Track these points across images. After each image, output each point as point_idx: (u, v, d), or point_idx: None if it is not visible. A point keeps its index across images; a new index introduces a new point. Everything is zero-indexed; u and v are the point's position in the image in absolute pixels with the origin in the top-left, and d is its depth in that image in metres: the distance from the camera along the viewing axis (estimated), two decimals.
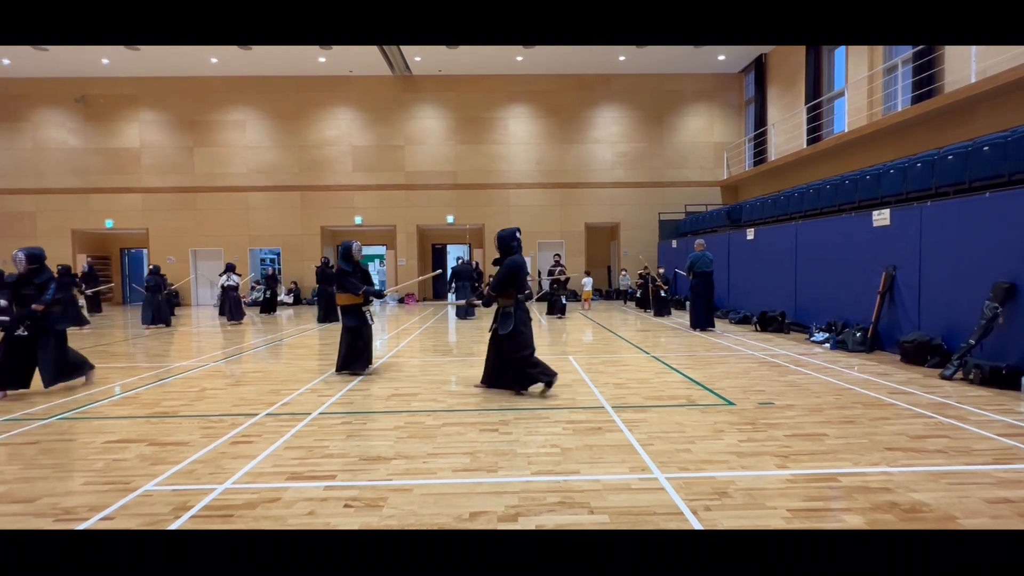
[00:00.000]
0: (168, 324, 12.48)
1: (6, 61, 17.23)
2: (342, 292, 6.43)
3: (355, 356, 6.45)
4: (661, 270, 14.59)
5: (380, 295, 6.58)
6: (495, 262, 5.74)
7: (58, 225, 18.58)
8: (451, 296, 14.98)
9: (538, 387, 5.41)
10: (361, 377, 6.31)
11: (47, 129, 18.68)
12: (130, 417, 4.75)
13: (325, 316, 13.02)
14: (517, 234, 5.51)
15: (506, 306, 5.44)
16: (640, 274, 14.97)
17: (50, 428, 4.44)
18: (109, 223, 18.78)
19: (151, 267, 13.24)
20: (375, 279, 16.11)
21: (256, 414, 4.74)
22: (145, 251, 19.65)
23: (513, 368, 5.38)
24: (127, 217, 18.83)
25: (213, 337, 10.58)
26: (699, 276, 10.11)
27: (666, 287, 13.48)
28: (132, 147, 18.79)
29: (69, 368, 5.97)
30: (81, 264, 15.74)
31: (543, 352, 7.19)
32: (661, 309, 13.05)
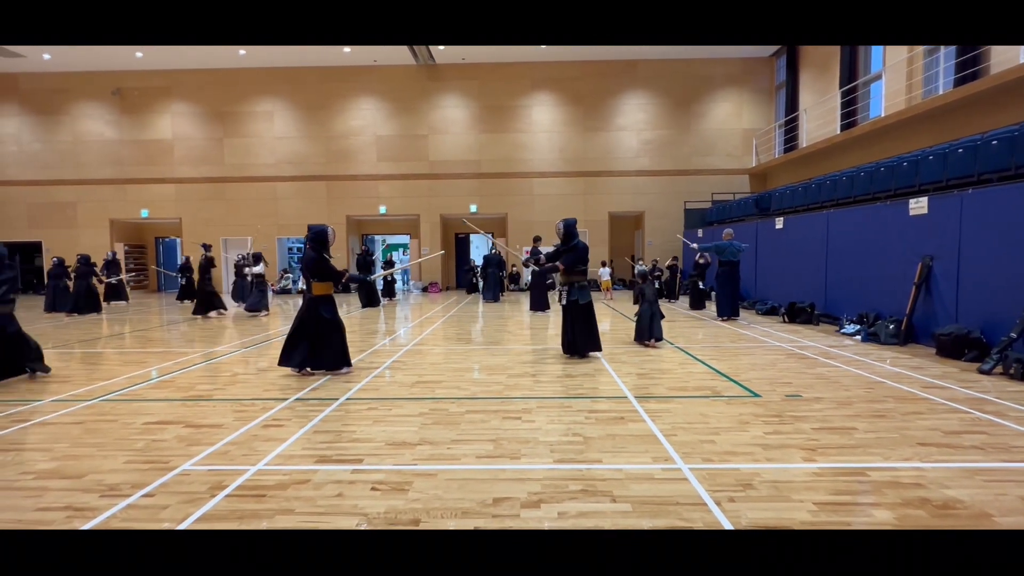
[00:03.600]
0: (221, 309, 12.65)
1: (47, 56, 17.83)
2: (319, 281, 5.85)
3: (335, 353, 5.83)
4: (666, 262, 14.40)
5: (364, 281, 6.64)
6: (561, 247, 6.72)
7: (97, 215, 19.27)
8: (481, 284, 15.25)
9: (595, 354, 6.64)
10: (345, 372, 5.87)
11: (85, 122, 19.30)
12: (167, 400, 4.94)
13: (368, 301, 13.82)
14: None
15: (579, 281, 6.59)
16: (666, 265, 14.82)
17: (94, 409, 4.66)
18: (144, 213, 19.39)
19: (184, 258, 13.60)
20: (397, 267, 16.32)
21: (286, 399, 4.88)
22: (178, 240, 20.24)
23: (589, 334, 6.53)
24: (161, 207, 19.40)
25: (243, 324, 10.89)
26: (726, 265, 9.99)
27: (694, 276, 13.26)
28: (165, 139, 19.30)
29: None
30: (106, 253, 16.30)
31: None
32: (698, 302, 12.04)
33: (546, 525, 2.56)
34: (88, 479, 3.16)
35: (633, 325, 8.11)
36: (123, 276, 15.81)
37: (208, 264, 12.48)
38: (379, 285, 15.52)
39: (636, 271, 10.12)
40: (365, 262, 15.91)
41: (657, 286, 8.91)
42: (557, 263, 6.69)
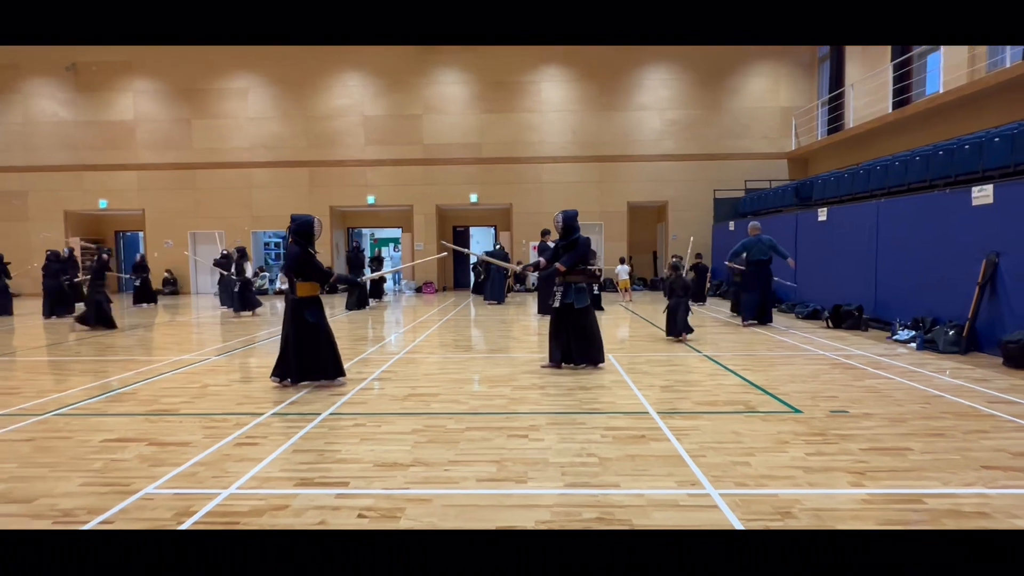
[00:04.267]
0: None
1: None
2: (304, 280, 5.74)
3: (326, 362, 5.79)
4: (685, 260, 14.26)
5: (354, 283, 6.58)
6: (560, 242, 6.67)
7: (50, 206, 19.42)
8: (487, 286, 15.27)
9: (608, 364, 6.58)
10: (337, 384, 5.85)
11: (36, 101, 19.47)
12: (128, 414, 4.96)
13: (358, 303, 14.02)
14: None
15: (577, 282, 6.49)
16: (690, 265, 14.73)
17: (46, 424, 4.68)
18: (103, 203, 19.53)
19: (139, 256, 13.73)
20: (387, 265, 16.41)
21: (262, 413, 4.89)
22: (141, 234, 20.37)
23: (597, 342, 6.50)
24: (122, 197, 19.54)
25: (214, 329, 10.94)
26: (754, 265, 9.97)
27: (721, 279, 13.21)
28: (126, 120, 19.43)
29: None
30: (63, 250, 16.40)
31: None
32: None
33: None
34: (39, 503, 3.17)
35: (654, 330, 8.08)
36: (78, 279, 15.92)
37: (242, 258, 12.96)
38: (408, 290, 15.81)
39: (669, 263, 10.44)
40: (356, 260, 15.99)
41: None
42: (557, 264, 6.53)
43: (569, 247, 6.57)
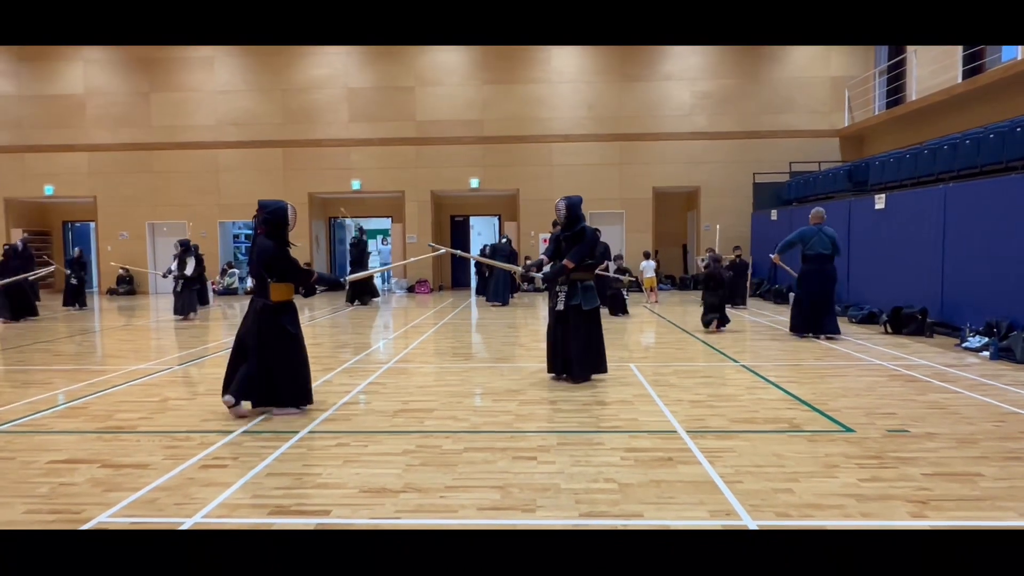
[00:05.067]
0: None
1: None
2: (279, 281, 5.39)
3: (297, 382, 5.44)
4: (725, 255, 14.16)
5: (337, 284, 6.44)
6: (563, 234, 6.56)
7: None
8: (490, 285, 15.33)
9: (600, 377, 6.56)
10: (300, 412, 5.43)
11: None
12: (78, 432, 5.00)
13: (354, 296, 15.32)
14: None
15: (585, 279, 6.39)
16: (729, 260, 14.66)
17: None
18: (49, 190, 19.70)
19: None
20: (375, 262, 16.51)
21: (231, 431, 4.92)
22: (92, 224, 20.53)
23: (591, 351, 6.42)
24: (70, 183, 19.71)
25: (179, 333, 11.01)
26: (814, 260, 9.34)
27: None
28: (75, 93, 19.59)
29: None
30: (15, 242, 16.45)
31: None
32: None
33: None
34: None
35: (683, 336, 8.05)
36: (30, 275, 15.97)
37: (185, 252, 12.94)
38: (399, 290, 16.23)
39: (702, 258, 10.81)
40: (361, 254, 16.34)
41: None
42: (565, 262, 6.31)
43: (575, 239, 6.41)
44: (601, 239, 14.62)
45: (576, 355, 6.38)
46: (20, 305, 12.92)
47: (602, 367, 6.58)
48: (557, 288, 6.48)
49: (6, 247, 13.75)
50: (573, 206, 6.48)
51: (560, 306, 6.42)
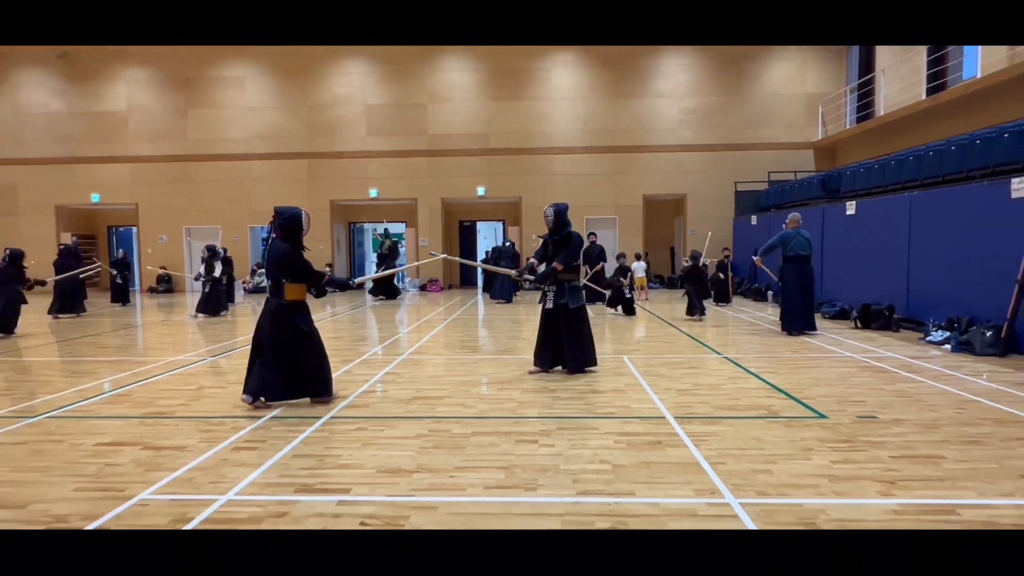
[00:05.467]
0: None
1: None
2: (294, 282, 5.34)
3: (321, 376, 5.39)
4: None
5: (346, 285, 6.32)
6: (551, 238, 6.60)
7: (41, 200, 19.64)
8: (495, 284, 15.31)
9: (592, 369, 6.53)
10: (324, 401, 5.37)
11: (26, 91, 19.70)
12: (123, 417, 5.03)
13: (385, 290, 16.21)
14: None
15: (571, 280, 6.46)
16: (716, 261, 14.65)
17: (38, 427, 4.76)
18: (95, 197, 19.75)
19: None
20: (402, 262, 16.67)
21: (260, 417, 4.94)
22: (134, 229, 20.57)
23: (583, 346, 6.43)
24: (114, 191, 19.74)
25: (210, 328, 11.04)
26: (792, 261, 9.18)
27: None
28: (119, 110, 19.62)
29: None
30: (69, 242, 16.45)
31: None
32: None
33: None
34: (32, 509, 3.23)
35: (672, 331, 8.04)
36: (54, 279, 15.72)
37: (212, 257, 12.91)
38: (368, 286, 16.10)
39: (690, 256, 10.97)
40: (392, 255, 16.85)
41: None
42: (555, 265, 6.32)
43: (563, 243, 6.44)
44: (596, 243, 14.68)
45: (568, 352, 6.43)
46: (67, 302, 12.93)
47: (592, 360, 6.56)
48: (547, 288, 6.50)
49: (61, 247, 13.81)
50: (560, 213, 6.52)
51: (549, 304, 6.46)
